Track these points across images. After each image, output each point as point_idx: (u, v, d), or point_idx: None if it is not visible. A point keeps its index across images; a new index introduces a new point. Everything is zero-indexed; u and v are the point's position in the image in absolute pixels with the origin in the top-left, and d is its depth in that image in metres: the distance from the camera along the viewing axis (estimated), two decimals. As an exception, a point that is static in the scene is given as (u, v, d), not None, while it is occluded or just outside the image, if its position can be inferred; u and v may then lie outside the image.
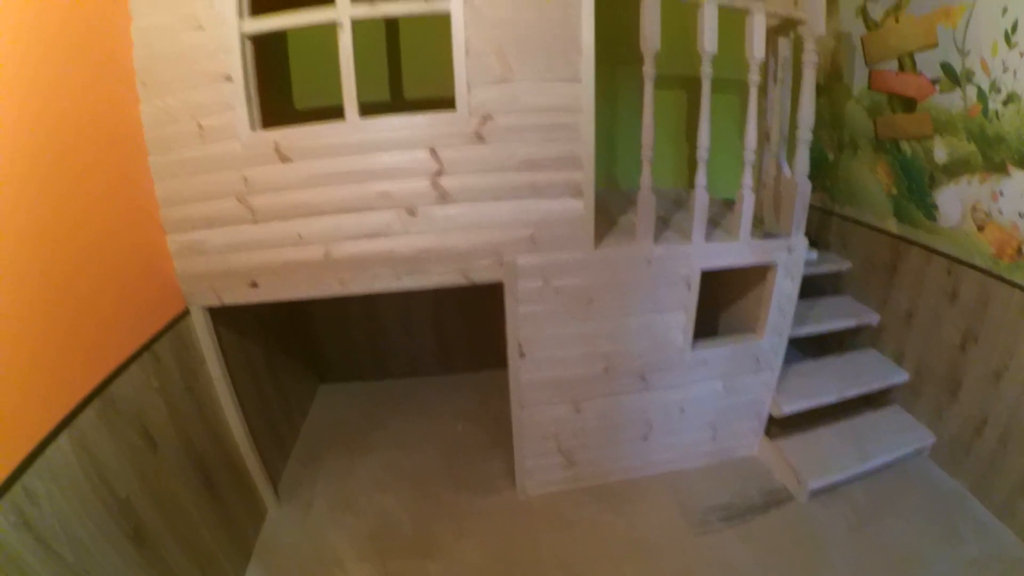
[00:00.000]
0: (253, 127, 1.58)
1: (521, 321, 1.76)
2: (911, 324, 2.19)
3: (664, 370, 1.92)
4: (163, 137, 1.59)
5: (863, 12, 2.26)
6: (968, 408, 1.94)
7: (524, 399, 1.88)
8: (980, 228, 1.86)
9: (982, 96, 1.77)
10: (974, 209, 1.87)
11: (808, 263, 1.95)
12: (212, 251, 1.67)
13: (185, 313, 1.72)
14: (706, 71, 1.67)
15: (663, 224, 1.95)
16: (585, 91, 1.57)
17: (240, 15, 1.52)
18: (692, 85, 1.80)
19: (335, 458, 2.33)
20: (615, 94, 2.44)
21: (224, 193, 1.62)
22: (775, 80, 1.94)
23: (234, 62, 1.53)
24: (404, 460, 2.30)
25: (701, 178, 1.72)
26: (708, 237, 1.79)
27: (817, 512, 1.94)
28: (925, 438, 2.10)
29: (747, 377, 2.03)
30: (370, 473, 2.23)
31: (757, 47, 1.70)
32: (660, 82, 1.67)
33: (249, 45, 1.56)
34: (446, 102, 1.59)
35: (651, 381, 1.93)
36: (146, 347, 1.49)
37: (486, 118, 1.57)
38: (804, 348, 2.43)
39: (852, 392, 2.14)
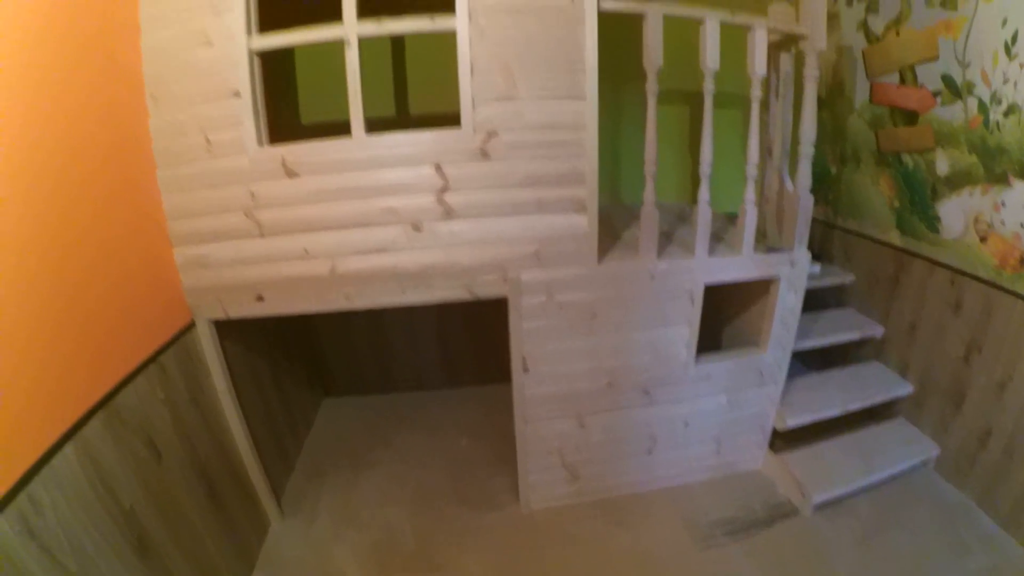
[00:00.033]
0: (261, 142, 1.60)
1: (525, 336, 1.77)
2: (915, 336, 2.19)
3: (668, 384, 1.92)
4: (172, 151, 1.61)
5: (864, 26, 2.28)
6: (973, 419, 1.94)
7: (528, 413, 1.88)
8: (983, 239, 1.86)
9: (983, 108, 1.78)
10: (976, 220, 1.88)
11: (811, 276, 1.95)
12: (219, 264, 1.69)
13: (191, 325, 1.73)
14: (708, 87, 1.68)
15: (666, 239, 1.96)
16: (589, 108, 1.58)
17: (249, 32, 1.54)
18: (695, 100, 1.82)
19: (339, 471, 2.33)
20: (618, 109, 2.46)
21: (231, 207, 1.63)
22: (777, 95, 1.96)
23: (242, 78, 1.55)
24: (408, 474, 2.29)
25: (704, 193, 1.73)
26: (711, 252, 1.80)
27: (822, 526, 1.92)
28: (930, 450, 2.09)
29: (751, 391, 2.03)
30: (374, 487, 2.23)
31: (759, 63, 1.72)
32: (663, 97, 1.69)
33: (257, 61, 1.58)
34: (451, 118, 1.61)
35: (655, 395, 1.93)
36: (152, 359, 1.51)
37: (491, 135, 1.59)
38: (808, 361, 2.42)
39: (856, 405, 2.14)
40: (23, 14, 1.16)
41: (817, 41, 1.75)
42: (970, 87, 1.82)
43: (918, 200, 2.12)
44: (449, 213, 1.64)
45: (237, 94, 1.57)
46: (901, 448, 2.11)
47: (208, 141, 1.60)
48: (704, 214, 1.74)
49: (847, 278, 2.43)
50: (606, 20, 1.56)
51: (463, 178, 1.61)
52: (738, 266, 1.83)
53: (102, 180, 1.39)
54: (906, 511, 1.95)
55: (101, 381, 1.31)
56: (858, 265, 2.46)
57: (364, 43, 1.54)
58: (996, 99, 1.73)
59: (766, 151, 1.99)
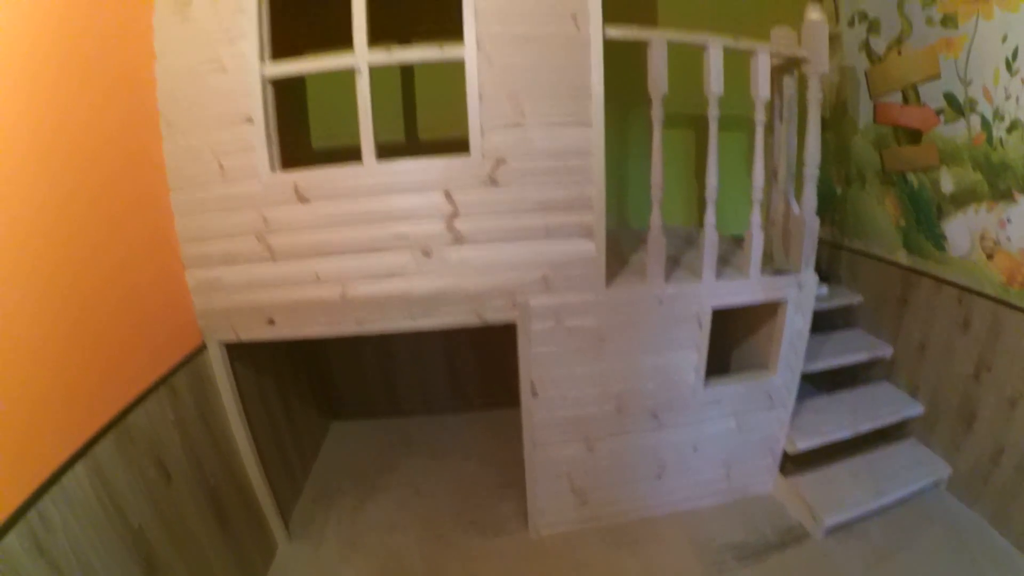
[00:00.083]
0: (273, 168, 1.63)
1: (534, 361, 1.77)
2: (924, 355, 2.17)
3: (677, 409, 1.91)
4: (185, 175, 1.64)
5: (866, 46, 2.30)
6: (984, 438, 1.92)
7: (537, 438, 1.87)
8: (989, 256, 1.86)
9: (986, 124, 1.79)
10: (982, 238, 1.87)
11: (819, 298, 1.95)
12: (230, 288, 1.71)
13: (202, 347, 1.75)
14: (713, 112, 1.70)
15: (673, 263, 1.96)
16: (596, 134, 1.61)
17: (262, 59, 1.58)
18: (700, 123, 1.84)
19: (346, 495, 2.32)
20: (624, 133, 2.49)
21: (244, 231, 1.66)
22: (781, 118, 1.98)
23: (255, 104, 1.59)
24: (415, 499, 2.28)
25: (710, 217, 1.74)
26: (719, 275, 1.81)
27: (833, 549, 1.89)
28: (942, 470, 2.07)
29: (760, 414, 2.01)
30: (381, 511, 2.22)
31: (762, 87, 1.74)
32: (668, 121, 1.71)
33: (270, 88, 1.62)
34: (460, 143, 1.64)
35: (664, 420, 1.92)
36: (163, 380, 1.52)
37: (499, 162, 1.61)
38: (817, 383, 2.41)
39: (867, 426, 2.12)
40: (39, 39, 1.19)
41: (819, 64, 1.77)
42: (972, 104, 1.83)
43: (924, 219, 2.12)
44: (458, 239, 1.65)
45: (250, 120, 1.60)
46: (912, 469, 2.08)
47: (221, 166, 1.63)
48: (711, 238, 1.75)
49: (855, 299, 2.42)
50: (611, 45, 1.59)
51: (472, 204, 1.63)
52: (745, 289, 1.83)
53: (115, 203, 1.41)
54: (918, 532, 1.92)
55: (113, 401, 1.32)
56: (865, 285, 2.45)
57: (374, 69, 1.58)
58: (999, 115, 1.74)
59: (771, 174, 2.00)
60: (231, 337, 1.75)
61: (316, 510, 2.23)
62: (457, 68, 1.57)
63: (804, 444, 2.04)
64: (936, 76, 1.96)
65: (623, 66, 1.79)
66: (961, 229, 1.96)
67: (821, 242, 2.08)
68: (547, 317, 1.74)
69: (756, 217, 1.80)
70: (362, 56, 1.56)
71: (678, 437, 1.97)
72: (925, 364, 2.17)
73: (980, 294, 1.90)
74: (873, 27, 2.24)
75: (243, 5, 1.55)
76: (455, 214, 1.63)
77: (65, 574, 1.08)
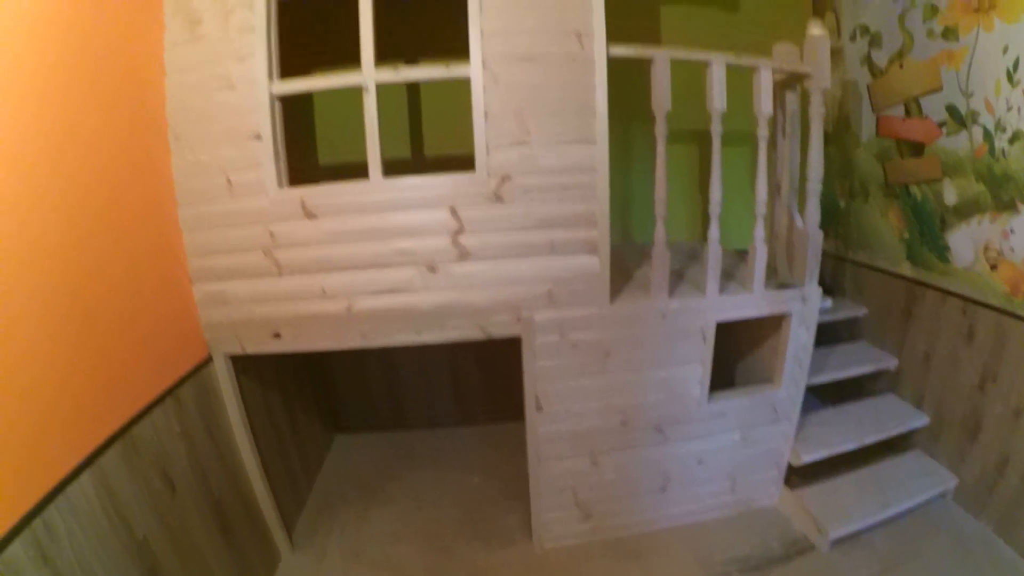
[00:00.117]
0: (280, 184, 1.65)
1: (538, 375, 1.78)
2: (929, 367, 2.17)
3: (681, 422, 1.92)
4: (194, 190, 1.67)
5: (868, 60, 2.32)
6: (989, 448, 1.91)
7: (541, 452, 1.88)
8: (993, 267, 1.86)
9: (988, 136, 1.80)
10: (986, 248, 1.88)
11: (823, 311, 1.95)
12: (237, 301, 1.73)
13: (208, 360, 1.76)
14: (716, 129, 1.72)
15: (678, 277, 1.97)
16: (600, 151, 1.62)
17: (270, 77, 1.61)
18: (704, 138, 1.85)
19: (350, 508, 2.32)
20: (628, 147, 2.51)
21: (251, 246, 1.68)
22: (784, 133, 1.99)
23: (264, 121, 1.61)
24: (419, 511, 2.28)
25: (714, 232, 1.75)
26: (722, 290, 1.81)
27: (839, 561, 1.88)
28: (947, 481, 2.06)
29: (765, 427, 2.01)
30: (385, 524, 2.22)
31: (765, 103, 1.75)
32: (672, 136, 1.72)
33: (278, 106, 1.64)
34: (465, 159, 1.66)
35: (668, 433, 1.92)
36: (169, 391, 1.54)
37: (504, 179, 1.63)
38: (822, 395, 2.40)
39: (872, 438, 2.11)
40: (52, 50, 1.22)
41: (821, 80, 1.78)
42: (974, 116, 1.84)
43: (927, 231, 2.13)
44: (464, 255, 1.67)
45: (258, 137, 1.63)
46: (918, 480, 2.07)
47: (229, 182, 1.65)
48: (714, 253, 1.76)
49: (859, 311, 2.43)
50: (614, 62, 1.61)
51: (477, 221, 1.64)
52: (749, 303, 1.84)
53: (123, 215, 1.44)
54: (924, 543, 1.91)
55: (119, 412, 1.34)
56: (870, 297, 2.45)
57: (381, 87, 1.60)
58: (1000, 127, 1.75)
59: (775, 188, 2.01)
60: (237, 350, 1.77)
61: (319, 521, 2.24)
62: (463, 86, 1.60)
63: (809, 456, 2.04)
64: (938, 88, 1.97)
65: (627, 82, 1.80)
66: (964, 240, 1.97)
67: (825, 255, 2.08)
68: (551, 332, 1.74)
69: (760, 231, 1.81)
70: (369, 74, 1.58)
71: (683, 450, 1.97)
72: (930, 375, 2.17)
73: (984, 305, 1.90)
74: (875, 41, 2.26)
75: (252, 24, 1.58)
76: (460, 230, 1.65)
77: (69, 584, 1.08)
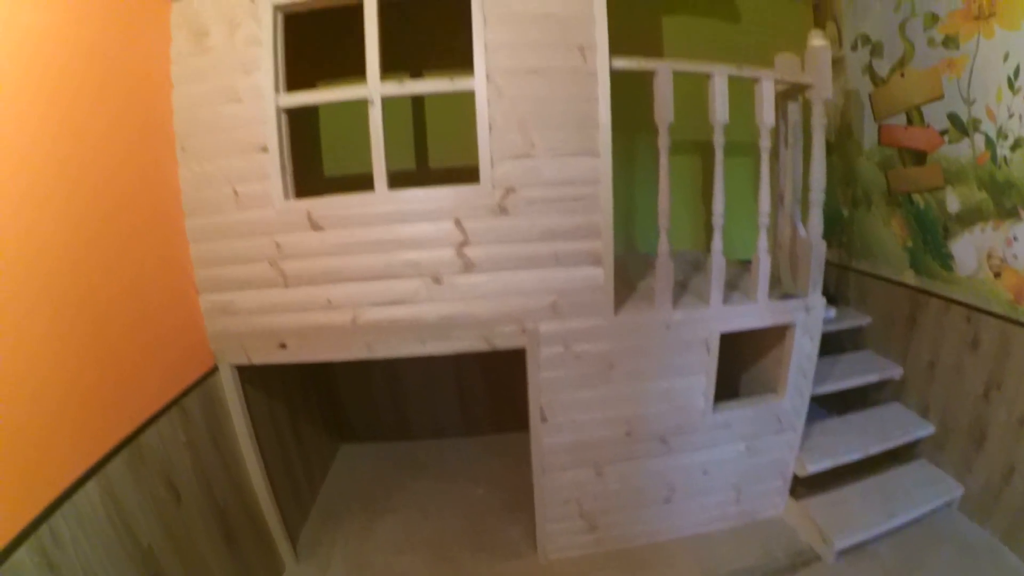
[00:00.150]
0: (287, 196, 1.67)
1: (543, 386, 1.78)
2: (933, 375, 2.16)
3: (686, 433, 1.91)
4: (200, 201, 1.69)
5: (869, 69, 2.33)
6: (995, 457, 1.91)
7: (546, 463, 1.87)
8: (997, 275, 1.86)
9: (990, 143, 1.81)
10: (989, 256, 1.88)
11: (827, 321, 1.95)
12: (243, 312, 1.74)
13: (214, 370, 1.78)
14: (718, 140, 1.73)
15: (681, 288, 1.98)
16: (603, 164, 1.63)
17: (277, 90, 1.63)
18: (707, 148, 1.86)
19: (354, 518, 2.32)
20: (631, 158, 2.51)
21: (257, 257, 1.70)
22: (786, 143, 1.99)
23: (270, 134, 1.63)
24: (423, 522, 2.28)
25: (717, 243, 1.76)
26: (726, 300, 1.82)
27: (845, 572, 1.87)
28: (953, 490, 2.05)
29: (770, 438, 2.01)
30: (389, 534, 2.21)
31: (767, 114, 1.76)
32: (675, 146, 1.73)
33: (285, 118, 1.66)
34: (470, 171, 1.67)
35: (673, 444, 1.92)
36: (175, 401, 1.55)
37: (509, 191, 1.64)
38: (827, 404, 2.40)
39: (877, 448, 2.11)
40: (61, 62, 1.24)
41: (823, 90, 1.79)
42: (976, 124, 1.85)
43: (930, 239, 2.13)
44: (468, 266, 1.68)
45: (265, 149, 1.64)
46: (923, 489, 2.06)
47: (236, 193, 1.67)
48: (718, 264, 1.76)
49: (863, 320, 2.42)
50: (617, 74, 1.61)
51: (482, 232, 1.65)
52: (753, 314, 1.84)
53: (130, 226, 1.45)
54: (930, 553, 1.90)
55: (125, 421, 1.35)
56: (874, 306, 2.45)
57: (386, 100, 1.61)
58: (1002, 134, 1.76)
59: (778, 199, 2.01)
60: (243, 360, 1.78)
61: (324, 532, 2.23)
62: (467, 98, 1.61)
63: (814, 467, 2.03)
64: (939, 97, 1.98)
65: (630, 94, 1.81)
66: (968, 248, 1.97)
67: (829, 264, 2.09)
68: (556, 343, 1.75)
69: (763, 242, 1.81)
70: (375, 88, 1.60)
71: (687, 461, 1.96)
72: (935, 384, 2.16)
73: (988, 313, 1.90)
74: (876, 50, 2.27)
75: (259, 37, 1.60)
76: (465, 242, 1.66)
77: (74, 590, 1.09)
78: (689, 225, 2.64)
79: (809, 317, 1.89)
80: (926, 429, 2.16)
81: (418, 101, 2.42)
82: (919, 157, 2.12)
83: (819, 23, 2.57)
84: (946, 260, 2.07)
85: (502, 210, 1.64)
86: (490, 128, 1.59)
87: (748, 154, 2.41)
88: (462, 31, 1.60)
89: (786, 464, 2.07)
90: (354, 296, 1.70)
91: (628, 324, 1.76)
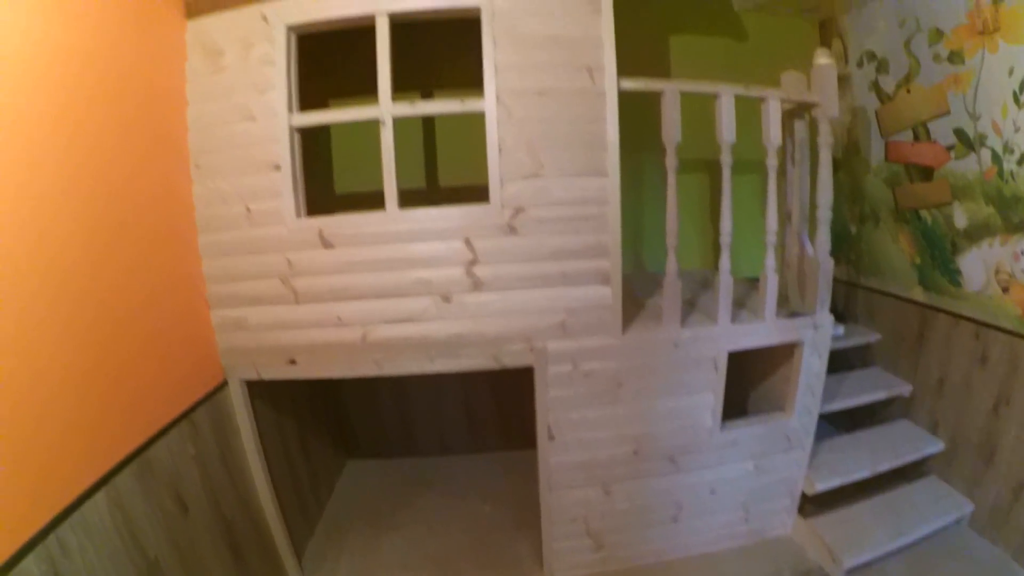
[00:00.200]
0: (299, 214, 1.69)
1: (551, 404, 1.78)
2: (942, 392, 2.15)
3: (694, 452, 1.91)
4: (213, 217, 1.71)
5: (875, 86, 2.34)
6: (1005, 473, 1.89)
7: (553, 481, 1.87)
8: (1005, 290, 1.85)
9: (996, 158, 1.81)
10: (997, 271, 1.87)
11: (835, 338, 1.95)
12: (254, 328, 1.76)
13: (224, 384, 1.79)
14: (726, 160, 1.74)
15: (689, 306, 1.98)
16: (612, 184, 1.65)
17: (290, 109, 1.65)
18: (714, 168, 1.87)
19: (360, 534, 2.31)
20: (640, 178, 2.52)
21: (269, 274, 1.72)
22: (793, 161, 2.00)
23: (283, 152, 1.66)
24: (429, 539, 2.26)
25: (725, 262, 1.77)
26: (734, 319, 1.82)
27: (854, 591, 1.86)
28: (963, 507, 2.03)
29: (778, 456, 2.00)
30: (395, 550, 2.21)
31: (773, 133, 1.78)
32: (683, 165, 1.75)
33: (297, 137, 1.69)
34: (479, 189, 1.69)
35: (681, 463, 1.91)
36: (185, 415, 1.57)
37: (518, 210, 1.65)
38: (836, 422, 2.39)
39: (886, 466, 2.09)
40: (75, 78, 1.26)
41: (829, 108, 1.81)
42: (982, 139, 1.85)
43: (938, 255, 2.13)
44: (478, 285, 1.69)
45: (277, 167, 1.67)
46: (933, 506, 2.05)
47: (249, 210, 1.70)
48: (726, 283, 1.77)
49: (872, 337, 2.42)
50: (625, 93, 1.63)
51: (491, 252, 1.67)
52: (761, 332, 1.84)
53: (144, 240, 1.47)
54: (940, 570, 1.88)
55: (135, 433, 1.37)
56: (882, 323, 2.45)
57: (397, 120, 1.63)
58: (1008, 149, 1.76)
59: (785, 217, 2.01)
60: (253, 375, 1.80)
61: (329, 547, 2.23)
62: (476, 117, 1.63)
63: (823, 485, 2.02)
64: (945, 112, 1.99)
65: (638, 113, 1.83)
66: (976, 264, 1.96)
67: (837, 281, 2.09)
68: (564, 361, 1.75)
69: (770, 260, 1.82)
70: (387, 108, 1.62)
71: (695, 480, 1.96)
72: (944, 400, 2.15)
73: (997, 328, 1.90)
74: (882, 67, 2.28)
75: (272, 57, 1.63)
76: (474, 261, 1.67)
77: (80, 601, 1.10)
78: (697, 243, 2.65)
79: (817, 335, 1.88)
80: (935, 446, 2.14)
81: (428, 120, 2.45)
82: (926, 173, 2.13)
83: (825, 41, 2.59)
84: (954, 276, 2.06)
85: (511, 229, 1.66)
86: (499, 148, 1.61)
87: (755, 171, 2.42)
88: (472, 52, 1.62)
89: (795, 482, 2.05)
90: (364, 313, 1.71)
91: (636, 343, 1.77)
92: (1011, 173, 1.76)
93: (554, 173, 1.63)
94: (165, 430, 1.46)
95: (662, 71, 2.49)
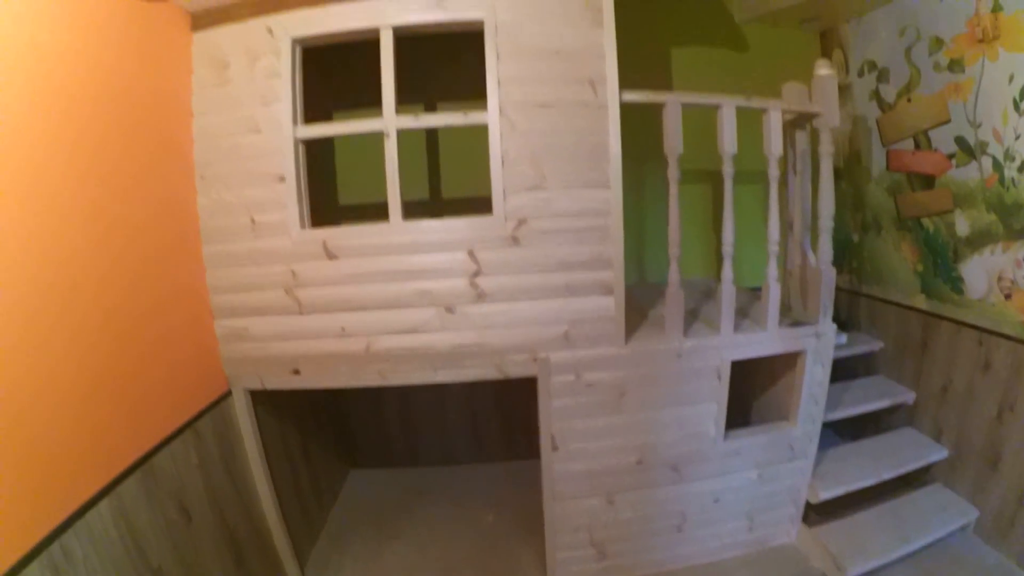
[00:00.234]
0: (303, 225, 1.70)
1: (554, 414, 1.79)
2: (946, 399, 2.15)
3: (697, 461, 1.91)
4: (218, 228, 1.73)
5: (876, 95, 2.35)
6: (1010, 479, 1.89)
7: (556, 491, 1.87)
8: (1007, 296, 1.86)
9: (997, 166, 1.82)
10: (999, 278, 1.88)
11: (838, 346, 1.95)
12: (258, 338, 1.77)
13: (228, 394, 1.80)
14: (727, 171, 1.75)
15: (692, 316, 1.99)
16: (614, 195, 1.66)
17: (295, 121, 1.67)
18: (716, 178, 1.88)
19: (363, 543, 2.31)
20: (642, 189, 2.54)
21: (273, 285, 1.73)
22: (795, 171, 2.01)
23: (288, 164, 1.67)
24: (432, 548, 2.26)
25: (727, 272, 1.77)
26: (737, 328, 1.83)
27: (860, 600, 1.85)
28: (968, 513, 2.03)
29: (782, 465, 2.00)
30: (398, 560, 2.20)
31: (775, 144, 1.79)
32: (685, 175, 1.76)
33: (302, 149, 1.70)
34: (482, 201, 1.70)
35: (684, 472, 1.91)
36: (189, 424, 1.58)
37: (521, 222, 1.66)
38: (840, 430, 2.38)
39: (890, 473, 2.09)
40: (83, 91, 1.27)
41: (830, 118, 1.82)
42: (983, 146, 1.86)
43: (940, 262, 2.13)
44: (481, 296, 1.70)
45: (282, 179, 1.68)
46: (938, 514, 2.04)
47: (253, 221, 1.71)
48: (728, 293, 1.77)
49: (875, 345, 2.42)
50: (628, 107, 1.64)
51: (495, 263, 1.68)
52: (764, 342, 1.84)
53: (149, 251, 1.49)
54: None
55: (139, 442, 1.38)
56: (885, 331, 2.44)
57: (401, 132, 1.65)
58: (1009, 156, 1.77)
59: (787, 226, 2.02)
60: (257, 385, 1.81)
61: (332, 555, 2.23)
62: (480, 129, 1.64)
63: (827, 494, 2.01)
64: (946, 121, 2.00)
65: (640, 124, 1.84)
66: (978, 271, 1.97)
67: (839, 290, 2.09)
68: (567, 371, 1.76)
69: (772, 270, 1.82)
70: (391, 121, 1.64)
71: (699, 489, 1.95)
72: (947, 407, 2.15)
73: (1000, 335, 1.90)
74: (882, 76, 2.30)
75: (278, 70, 1.65)
76: (478, 272, 1.68)
77: (83, 609, 1.10)
78: (699, 252, 2.66)
79: (820, 344, 1.89)
80: (940, 453, 2.14)
81: (432, 132, 2.46)
82: (928, 181, 2.14)
83: (826, 51, 2.60)
84: (956, 283, 2.06)
85: (514, 241, 1.67)
86: (503, 161, 1.62)
87: (757, 181, 2.43)
88: (475, 64, 1.63)
89: (798, 491, 2.05)
90: (368, 324, 1.72)
91: (639, 353, 1.77)
92: (1012, 180, 1.77)
93: (557, 185, 1.64)
94: (169, 439, 1.47)
95: (664, 83, 2.50)
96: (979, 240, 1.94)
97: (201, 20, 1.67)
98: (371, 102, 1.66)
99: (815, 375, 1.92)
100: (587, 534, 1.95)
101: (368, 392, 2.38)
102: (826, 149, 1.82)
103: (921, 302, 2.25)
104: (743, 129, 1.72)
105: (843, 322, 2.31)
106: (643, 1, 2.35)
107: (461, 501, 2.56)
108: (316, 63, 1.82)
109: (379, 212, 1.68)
